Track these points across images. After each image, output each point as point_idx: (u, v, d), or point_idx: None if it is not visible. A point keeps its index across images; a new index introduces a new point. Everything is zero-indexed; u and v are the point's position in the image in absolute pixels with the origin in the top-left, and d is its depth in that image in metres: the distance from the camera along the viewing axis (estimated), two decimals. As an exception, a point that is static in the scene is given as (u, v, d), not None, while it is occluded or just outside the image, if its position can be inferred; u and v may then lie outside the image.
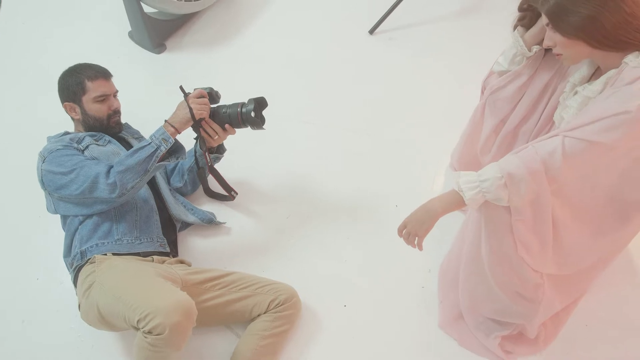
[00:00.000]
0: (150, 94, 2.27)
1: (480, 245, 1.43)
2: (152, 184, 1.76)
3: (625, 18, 1.20)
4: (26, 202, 1.93)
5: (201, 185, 1.89)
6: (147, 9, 2.32)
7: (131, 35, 2.47)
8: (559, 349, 1.60)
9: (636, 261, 1.76)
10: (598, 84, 1.31)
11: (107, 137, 1.70)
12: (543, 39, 1.42)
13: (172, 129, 1.56)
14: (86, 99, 1.66)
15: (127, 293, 1.33)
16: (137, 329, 1.27)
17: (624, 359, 1.59)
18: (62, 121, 1.83)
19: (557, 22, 1.24)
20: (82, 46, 2.47)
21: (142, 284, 1.38)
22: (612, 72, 1.28)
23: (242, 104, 1.66)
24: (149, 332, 1.23)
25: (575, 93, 1.39)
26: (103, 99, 1.68)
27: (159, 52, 2.43)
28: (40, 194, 1.69)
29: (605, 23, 1.20)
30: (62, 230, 1.66)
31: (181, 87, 1.63)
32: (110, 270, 1.45)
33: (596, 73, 1.38)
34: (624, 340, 1.61)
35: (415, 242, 1.37)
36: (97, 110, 1.68)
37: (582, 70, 1.42)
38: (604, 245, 1.43)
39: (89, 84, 1.65)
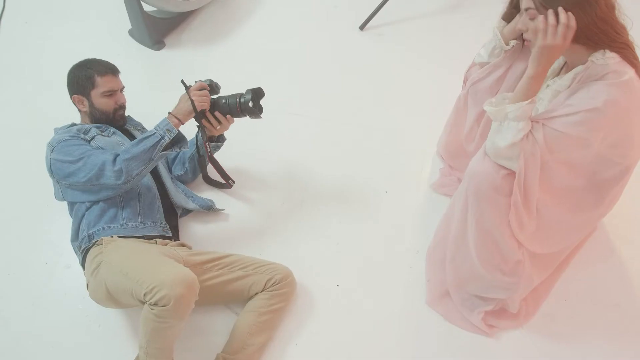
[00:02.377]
0: (149, 89, 2.31)
1: (465, 226, 1.52)
2: (155, 173, 1.82)
3: (594, 20, 1.27)
4: (34, 193, 2.00)
5: (201, 173, 1.96)
6: (146, 7, 2.36)
7: (131, 33, 2.51)
8: (539, 323, 1.67)
9: (611, 241, 1.84)
10: (566, 79, 1.39)
11: (112, 129, 1.77)
12: (520, 34, 1.52)
13: (176, 120, 1.64)
14: (95, 93, 1.72)
15: (133, 270, 1.41)
16: (143, 302, 1.35)
17: (600, 332, 1.65)
18: (66, 115, 1.88)
19: (539, 7, 1.30)
20: (84, 44, 2.51)
21: (148, 261, 1.46)
22: (579, 68, 1.35)
23: (241, 95, 1.72)
24: (155, 304, 1.31)
25: (547, 86, 1.47)
26: (111, 94, 1.74)
27: (158, 49, 2.47)
28: (47, 184, 1.76)
29: (577, 22, 1.26)
30: (69, 217, 1.73)
31: (182, 81, 1.70)
32: (117, 251, 1.53)
33: (565, 66, 1.46)
34: (600, 315, 1.69)
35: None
36: (104, 104, 1.74)
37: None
38: (582, 222, 1.52)
39: (99, 79, 1.71)
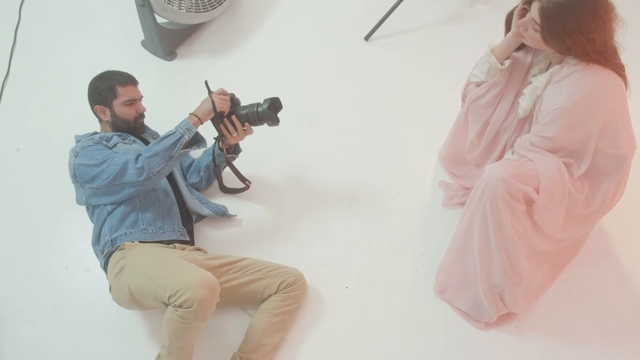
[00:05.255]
0: (163, 99, 2.37)
1: (473, 226, 1.60)
2: (172, 180, 1.89)
3: (593, 46, 1.39)
4: (54, 198, 2.07)
5: (216, 182, 2.03)
6: (159, 19, 2.41)
7: (144, 43, 2.56)
8: (538, 323, 1.74)
9: (608, 243, 1.91)
10: (545, 76, 1.51)
11: (132, 137, 1.84)
12: (512, 53, 1.62)
13: (196, 119, 1.72)
14: (116, 103, 1.80)
15: (157, 273, 1.48)
16: (166, 304, 1.42)
17: (597, 332, 1.73)
18: (83, 122, 1.96)
19: (543, 22, 1.42)
20: (98, 54, 2.56)
21: (170, 265, 1.53)
22: (556, 67, 1.48)
23: (258, 104, 1.80)
24: (179, 306, 1.38)
25: (530, 83, 1.59)
26: (131, 103, 1.82)
27: (170, 60, 2.52)
28: (66, 189, 1.83)
29: (567, 42, 1.40)
30: (89, 222, 1.80)
31: (206, 82, 1.78)
32: (140, 255, 1.60)
33: (550, 66, 1.58)
34: (597, 315, 1.76)
35: None
36: (126, 113, 1.82)
37: (540, 63, 1.61)
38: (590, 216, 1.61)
39: (120, 89, 1.79)
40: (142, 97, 1.88)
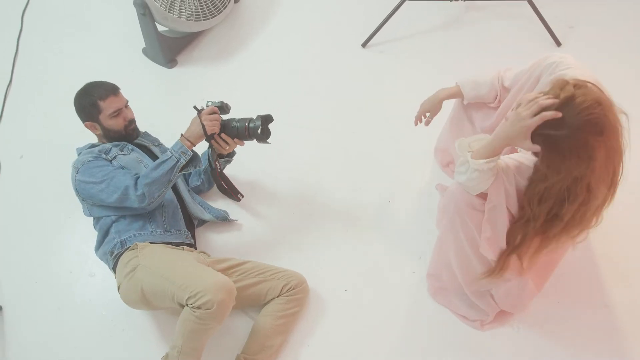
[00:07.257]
0: (164, 105, 2.40)
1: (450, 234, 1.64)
2: (173, 187, 1.92)
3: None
4: (57, 204, 2.10)
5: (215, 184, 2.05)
6: (160, 27, 2.45)
7: (145, 51, 2.59)
8: (533, 322, 1.78)
9: (600, 247, 1.94)
10: None
11: (130, 146, 1.86)
12: None
13: (189, 143, 1.73)
14: (103, 117, 1.80)
15: (174, 274, 1.52)
16: (182, 305, 1.46)
17: (591, 331, 1.76)
18: (86, 129, 1.95)
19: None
20: (101, 62, 2.59)
21: (186, 266, 1.56)
22: None
23: (250, 120, 1.78)
24: (198, 308, 1.42)
25: None
26: (117, 113, 1.81)
27: (171, 67, 2.55)
28: (69, 196, 1.86)
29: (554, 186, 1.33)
30: (92, 227, 1.82)
31: (195, 107, 1.77)
32: (153, 255, 1.63)
33: None
34: (591, 316, 1.79)
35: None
36: (114, 124, 1.82)
37: None
38: None
39: (102, 104, 1.79)
40: (127, 102, 1.87)
